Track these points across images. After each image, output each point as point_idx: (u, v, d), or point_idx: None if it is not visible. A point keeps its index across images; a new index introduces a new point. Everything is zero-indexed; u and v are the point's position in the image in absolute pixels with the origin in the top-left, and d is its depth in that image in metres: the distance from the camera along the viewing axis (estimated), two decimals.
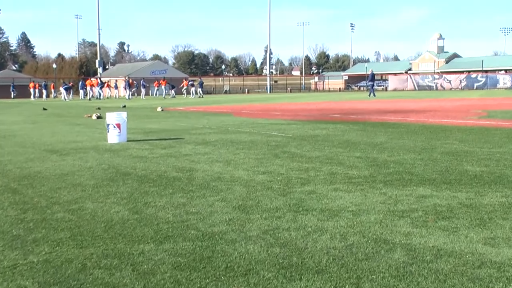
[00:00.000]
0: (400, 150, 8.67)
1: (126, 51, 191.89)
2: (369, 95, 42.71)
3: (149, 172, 7.02)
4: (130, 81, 58.86)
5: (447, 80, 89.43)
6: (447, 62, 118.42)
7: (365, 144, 9.63)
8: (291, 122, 15.47)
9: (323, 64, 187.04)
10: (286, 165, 7.38)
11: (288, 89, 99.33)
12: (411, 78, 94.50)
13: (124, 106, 30.48)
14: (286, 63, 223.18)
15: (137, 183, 6.24)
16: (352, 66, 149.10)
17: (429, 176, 6.30)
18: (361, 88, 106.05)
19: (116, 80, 66.88)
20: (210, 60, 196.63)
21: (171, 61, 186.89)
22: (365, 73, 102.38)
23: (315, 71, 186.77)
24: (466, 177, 6.25)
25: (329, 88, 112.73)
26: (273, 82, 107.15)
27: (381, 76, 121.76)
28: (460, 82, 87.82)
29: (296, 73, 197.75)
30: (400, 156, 8.01)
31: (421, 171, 6.65)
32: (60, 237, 4.14)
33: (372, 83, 44.19)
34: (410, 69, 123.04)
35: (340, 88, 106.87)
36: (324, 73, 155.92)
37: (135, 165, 7.61)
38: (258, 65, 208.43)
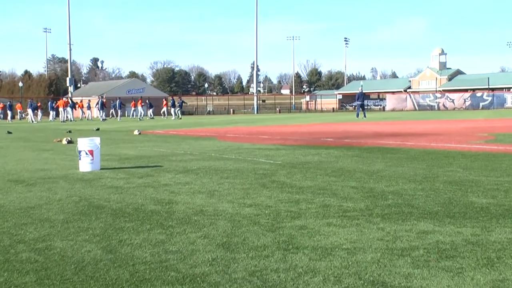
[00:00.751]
0: (399, 179, 8.72)
1: (100, 67, 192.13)
2: (357, 116, 42.99)
3: (125, 205, 7.00)
4: (105, 101, 58.91)
5: (450, 99, 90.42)
6: (450, 79, 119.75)
7: (361, 172, 9.68)
8: (280, 147, 15.51)
9: (315, 81, 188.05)
10: (274, 196, 7.39)
11: (277, 109, 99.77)
12: (410, 97, 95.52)
13: (98, 129, 30.45)
14: (275, 81, 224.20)
15: (111, 218, 6.21)
16: (346, 84, 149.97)
17: (431, 209, 6.33)
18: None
19: (89, 100, 66.85)
20: (192, 77, 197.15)
21: (149, 78, 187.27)
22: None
23: (306, 90, 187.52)
24: (471, 210, 6.28)
25: (321, 108, 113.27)
26: (260, 101, 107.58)
27: (378, 95, 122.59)
28: (464, 101, 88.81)
29: (285, 91, 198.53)
30: (399, 186, 8.05)
31: (422, 203, 6.68)
32: (25, 281, 4.10)
33: (360, 102, 44.01)
34: (409, 87, 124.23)
35: (333, 108, 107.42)
36: (316, 91, 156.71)
37: (110, 197, 7.59)
38: (244, 83, 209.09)
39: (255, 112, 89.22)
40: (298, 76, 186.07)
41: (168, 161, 12.19)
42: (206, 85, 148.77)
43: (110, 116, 67.75)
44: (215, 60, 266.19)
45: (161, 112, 63.38)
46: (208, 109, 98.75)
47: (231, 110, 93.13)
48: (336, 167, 10.45)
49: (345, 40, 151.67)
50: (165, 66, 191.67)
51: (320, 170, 10.03)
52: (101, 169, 10.84)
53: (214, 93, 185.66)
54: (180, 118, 54.29)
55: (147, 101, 61.55)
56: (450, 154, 12.58)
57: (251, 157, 12.83)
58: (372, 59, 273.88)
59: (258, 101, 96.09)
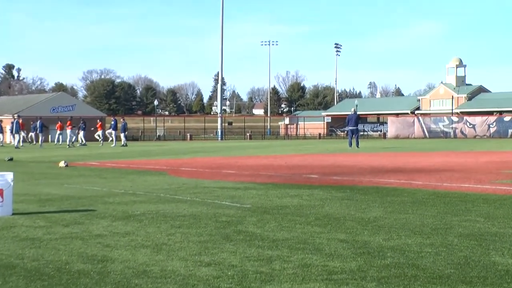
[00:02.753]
0: (402, 230, 8.75)
1: (16, 77, 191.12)
2: (350, 145, 42.96)
3: (44, 263, 6.93)
4: (21, 121, 58.40)
5: (470, 124, 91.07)
6: (469, 98, 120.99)
7: (353, 220, 9.69)
8: (249, 186, 15.46)
9: (297, 99, 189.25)
10: (240, 252, 7.39)
11: (247, 134, 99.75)
12: (419, 120, 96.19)
13: (11, 159, 30.12)
14: (245, 98, 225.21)
15: (24, 282, 6.14)
16: (337, 102, 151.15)
17: (441, 272, 6.34)
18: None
19: (1, 120, 66.26)
20: (138, 92, 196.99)
21: (81, 92, 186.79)
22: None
23: (285, 110, 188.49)
24: (493, 273, 6.29)
25: (304, 134, 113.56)
26: (226, 124, 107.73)
27: (378, 118, 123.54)
28: (489, 127, 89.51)
29: (258, 111, 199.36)
30: (401, 239, 8.08)
31: (430, 264, 6.70)
32: None
33: (353, 127, 43.63)
34: (418, 108, 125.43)
35: (320, 134, 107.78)
36: (298, 112, 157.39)
37: (23, 253, 7.51)
38: (205, 100, 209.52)
39: (219, 138, 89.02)
40: (275, 92, 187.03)
41: (103, 204, 12.10)
42: (155, 102, 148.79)
43: (29, 142, 67.16)
44: (168, 71, 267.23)
45: (95, 135, 63.05)
46: (157, 134, 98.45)
47: (188, 135, 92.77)
48: (321, 214, 10.44)
49: (336, 47, 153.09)
50: (102, 77, 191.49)
51: (300, 217, 10.01)
52: (13, 214, 10.70)
53: (166, 113, 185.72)
54: (126, 145, 53.99)
55: (81, 122, 61.15)
56: (468, 197, 12.54)
57: (212, 198, 12.77)
58: (370, 72, 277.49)
59: (223, 124, 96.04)
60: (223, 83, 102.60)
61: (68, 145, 55.39)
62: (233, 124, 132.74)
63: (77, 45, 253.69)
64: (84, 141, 59.02)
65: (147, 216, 10.35)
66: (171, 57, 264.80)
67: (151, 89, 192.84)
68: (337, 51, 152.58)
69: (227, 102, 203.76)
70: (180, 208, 11.31)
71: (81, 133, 59.75)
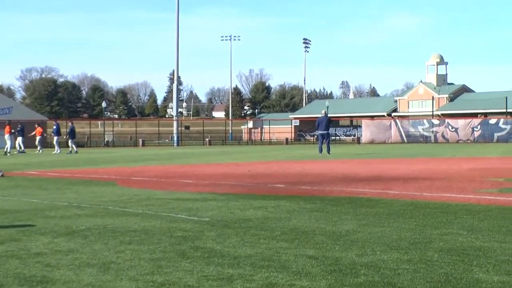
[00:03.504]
0: (377, 245, 8.78)
1: None
2: (320, 151, 43.06)
3: None
4: None
5: (452, 127, 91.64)
6: (452, 99, 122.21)
7: (323, 234, 9.70)
8: (208, 197, 15.47)
9: (262, 100, 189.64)
10: (198, 270, 7.37)
11: (207, 139, 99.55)
12: (396, 124, 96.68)
13: None
14: (204, 99, 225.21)
15: None
16: (306, 104, 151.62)
17: None
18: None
19: None
20: (84, 93, 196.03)
21: (19, 93, 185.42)
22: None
23: (248, 112, 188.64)
24: None
25: (270, 139, 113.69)
26: (183, 128, 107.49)
27: (351, 121, 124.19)
28: (473, 130, 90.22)
29: (219, 114, 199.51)
30: (376, 255, 8.10)
31: (408, 282, 6.72)
32: None
33: (323, 131, 43.60)
34: (395, 110, 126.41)
35: (287, 139, 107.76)
36: (263, 115, 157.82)
37: None
38: (159, 102, 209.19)
39: (175, 144, 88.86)
40: (237, 92, 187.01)
41: (43, 218, 11.98)
42: (103, 104, 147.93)
43: None
44: (117, 69, 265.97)
45: (36, 142, 62.51)
46: (106, 139, 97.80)
47: (140, 140, 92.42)
48: (287, 227, 10.45)
49: (304, 42, 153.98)
50: (43, 76, 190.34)
51: (265, 232, 10.01)
52: None
53: (116, 116, 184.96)
54: (76, 152, 53.61)
55: (18, 126, 60.57)
56: (450, 208, 12.63)
57: (166, 211, 12.75)
58: (342, 70, 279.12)
59: (180, 128, 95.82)
60: (180, 83, 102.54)
61: (6, 152, 54.76)
62: (190, 128, 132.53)
63: (14, 39, 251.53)
64: (23, 148, 58.44)
65: (93, 232, 10.27)
66: (121, 53, 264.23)
67: (98, 90, 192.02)
68: (305, 47, 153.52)
69: (184, 104, 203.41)
70: (131, 222, 11.26)
71: (19, 139, 59.12)
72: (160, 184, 19.81)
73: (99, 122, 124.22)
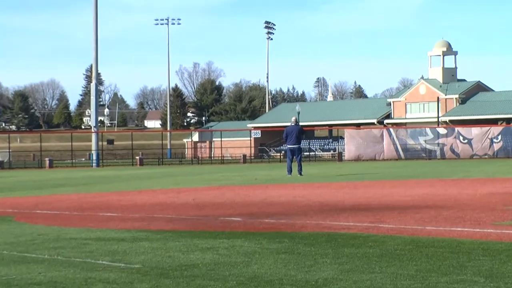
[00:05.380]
0: None
1: None
2: (289, 172, 39.48)
3: None
4: None
5: (465, 138, 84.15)
6: (463, 101, 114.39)
7: (293, 284, 8.85)
8: (140, 236, 13.93)
9: (211, 104, 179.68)
10: None
11: (138, 158, 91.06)
12: (390, 134, 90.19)
13: None
14: (133, 104, 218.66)
15: None
16: (270, 109, 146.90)
17: None
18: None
19: None
20: None
21: None
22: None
23: (193, 121, 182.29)
24: None
25: (222, 156, 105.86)
26: (104, 143, 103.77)
27: (330, 131, 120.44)
28: (491, 142, 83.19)
29: (153, 124, 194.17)
30: None
31: None
32: None
33: (295, 146, 39.50)
34: (388, 116, 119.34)
35: (245, 156, 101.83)
36: (212, 124, 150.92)
37: None
38: (72, 108, 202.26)
39: (95, 165, 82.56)
40: (177, 94, 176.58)
41: None
42: None
43: None
44: (15, 64, 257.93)
45: None
46: (0, 159, 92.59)
47: (47, 160, 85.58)
48: (246, 275, 9.43)
49: (267, 27, 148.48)
50: None
51: (215, 282, 9.04)
52: None
53: (13, 127, 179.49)
54: None
55: None
56: (463, 247, 11.38)
57: (83, 256, 11.43)
58: (318, 64, 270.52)
59: (101, 143, 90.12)
60: (100, 82, 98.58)
61: None
62: (115, 143, 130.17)
63: None
64: None
65: None
66: (20, 44, 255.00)
67: None
68: (268, 32, 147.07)
69: (106, 111, 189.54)
70: (34, 272, 10.00)
71: None
72: (74, 219, 17.95)
73: None
